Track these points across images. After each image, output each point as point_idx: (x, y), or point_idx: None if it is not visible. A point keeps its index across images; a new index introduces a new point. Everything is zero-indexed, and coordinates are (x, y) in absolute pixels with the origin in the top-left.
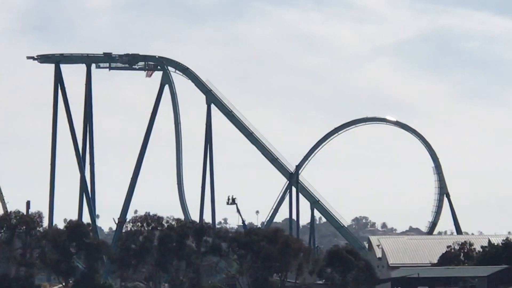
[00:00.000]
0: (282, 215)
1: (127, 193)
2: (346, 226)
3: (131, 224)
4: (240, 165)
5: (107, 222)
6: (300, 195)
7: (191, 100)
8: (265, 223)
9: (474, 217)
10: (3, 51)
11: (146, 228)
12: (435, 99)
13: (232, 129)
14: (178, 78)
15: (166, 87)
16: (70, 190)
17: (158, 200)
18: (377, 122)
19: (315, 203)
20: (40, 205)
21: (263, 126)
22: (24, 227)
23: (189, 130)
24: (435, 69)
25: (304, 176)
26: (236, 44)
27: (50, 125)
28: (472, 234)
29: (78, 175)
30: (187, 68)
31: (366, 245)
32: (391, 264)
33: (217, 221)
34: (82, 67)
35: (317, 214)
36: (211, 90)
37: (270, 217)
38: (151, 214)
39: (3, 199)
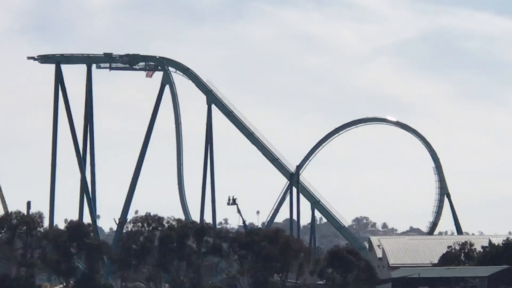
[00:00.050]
0: (282, 216)
1: (127, 193)
2: (346, 226)
3: (131, 224)
4: (241, 165)
5: (107, 222)
6: (301, 195)
7: (192, 100)
8: (265, 224)
9: (474, 217)
10: (3, 51)
11: (146, 229)
12: (436, 99)
13: (233, 129)
14: (178, 78)
15: (167, 87)
16: (71, 191)
17: (159, 200)
18: (377, 122)
19: (315, 204)
20: (40, 206)
21: (263, 126)
22: (24, 227)
23: (190, 130)
24: (435, 69)
25: (305, 176)
26: (236, 44)
27: (51, 126)
28: (473, 234)
29: (79, 175)
30: (188, 68)
31: (367, 246)
32: (391, 264)
33: (217, 222)
34: (83, 67)
35: (317, 214)
36: (212, 90)
37: (271, 217)
38: (151, 214)
39: (4, 199)
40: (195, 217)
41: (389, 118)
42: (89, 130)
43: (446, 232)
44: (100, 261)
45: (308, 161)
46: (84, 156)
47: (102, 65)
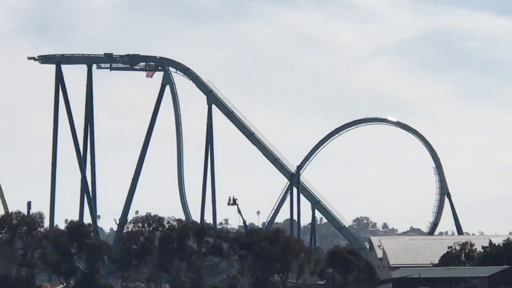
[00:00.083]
0: (283, 216)
1: (128, 193)
2: (347, 226)
3: (132, 224)
4: (241, 165)
5: (108, 222)
6: (301, 196)
7: (192, 101)
8: (266, 224)
9: (475, 217)
10: (4, 52)
11: (147, 229)
12: (436, 99)
13: (233, 129)
14: (179, 78)
15: (167, 88)
16: (71, 191)
17: (159, 200)
18: (378, 123)
19: (316, 204)
20: (41, 206)
21: (264, 127)
22: (25, 227)
23: (190, 130)
24: (435, 69)
25: (305, 177)
26: (237, 44)
27: (51, 126)
28: (473, 234)
29: (79, 175)
30: (188, 68)
31: (367, 246)
32: (392, 264)
33: (218, 222)
34: (83, 67)
35: (318, 214)
36: (212, 90)
37: (271, 217)
38: (152, 214)
39: (4, 200)
40: (196, 217)
41: (389, 118)
42: (90, 130)
43: (446, 232)
44: (101, 261)
45: (308, 161)
46: (85, 156)
47: (102, 65)
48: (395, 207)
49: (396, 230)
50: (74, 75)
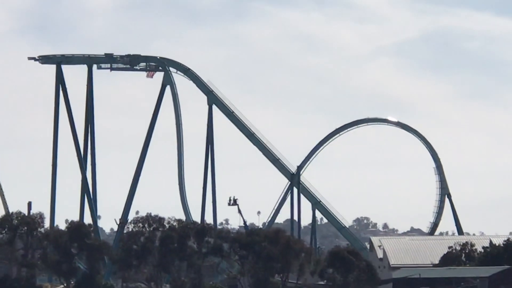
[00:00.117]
0: (283, 216)
1: (128, 194)
2: (347, 226)
3: (132, 224)
4: (242, 165)
5: (108, 223)
6: (302, 196)
7: (193, 101)
8: (266, 224)
9: (475, 217)
10: (4, 52)
11: (147, 229)
12: (436, 100)
13: (234, 129)
14: (179, 78)
15: (168, 88)
16: (72, 191)
17: (160, 200)
18: (378, 123)
19: (316, 204)
20: (41, 206)
21: (264, 127)
22: (25, 227)
23: (191, 130)
24: (436, 70)
25: (306, 177)
26: (237, 44)
27: (52, 126)
28: (474, 234)
29: (80, 176)
30: (189, 68)
31: (368, 246)
32: (392, 264)
33: (218, 222)
34: (84, 67)
35: (318, 214)
36: (213, 90)
37: (272, 217)
38: (152, 214)
39: (5, 200)
40: (196, 217)
41: (389, 118)
42: (90, 130)
43: (447, 233)
44: (101, 262)
45: (309, 161)
46: (85, 156)
47: (103, 65)
48: (396, 207)
49: (397, 230)
50: (75, 75)
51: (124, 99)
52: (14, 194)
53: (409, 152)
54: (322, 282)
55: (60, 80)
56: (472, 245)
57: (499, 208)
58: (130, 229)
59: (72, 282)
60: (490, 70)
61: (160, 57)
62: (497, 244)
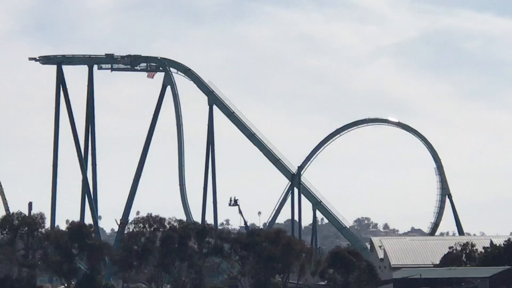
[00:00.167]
0: (284, 216)
1: (129, 194)
2: (348, 227)
3: (133, 225)
4: (242, 166)
5: (109, 223)
6: (302, 196)
7: (193, 101)
8: (267, 224)
9: (476, 218)
10: (5, 52)
11: (148, 229)
12: (437, 100)
13: (234, 130)
14: (180, 79)
15: (168, 88)
16: (72, 191)
17: (160, 201)
18: (379, 123)
19: (317, 204)
20: (42, 206)
21: (265, 127)
22: (26, 228)
23: (191, 131)
24: (436, 70)
25: (306, 177)
26: (238, 45)
27: (52, 126)
28: (474, 235)
29: (80, 176)
30: (189, 69)
31: (368, 246)
32: (393, 265)
33: (219, 222)
34: (84, 68)
35: (319, 215)
36: (213, 91)
37: (272, 218)
38: (153, 215)
39: (5, 200)
40: (197, 218)
41: (390, 118)
42: (91, 131)
43: (447, 233)
44: (102, 262)
45: (309, 161)
46: (86, 156)
47: (103, 66)
48: (396, 208)
49: (397, 230)
50: (75, 75)
51: (125, 99)
52: (15, 194)
53: (409, 152)
54: (322, 283)
55: (60, 81)
56: (473, 245)
57: (500, 208)
58: (131, 230)
59: (72, 283)
60: (490, 70)
61: (161, 58)
62: (497, 245)
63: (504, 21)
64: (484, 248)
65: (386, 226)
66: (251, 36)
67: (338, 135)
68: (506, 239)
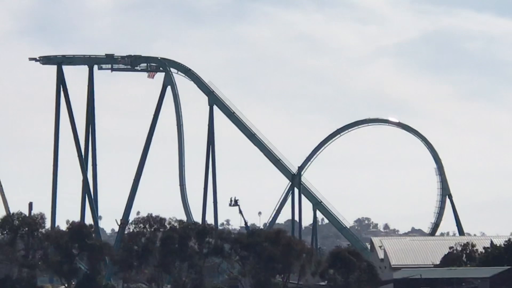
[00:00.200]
0: (284, 216)
1: (129, 194)
2: (348, 227)
3: (133, 225)
4: (243, 166)
5: (109, 223)
6: (303, 196)
7: (194, 101)
8: (267, 224)
9: (476, 218)
10: (5, 52)
11: (148, 230)
12: (437, 100)
13: (235, 130)
14: (180, 79)
15: (168, 88)
16: (73, 192)
17: (161, 201)
18: (379, 123)
19: (317, 204)
20: (42, 207)
21: (265, 127)
22: (26, 228)
23: (192, 131)
24: (436, 70)
25: (307, 177)
26: (238, 45)
27: (52, 127)
28: (475, 235)
29: (81, 176)
30: (189, 69)
31: (369, 246)
32: (393, 265)
33: (219, 223)
34: (84, 68)
35: (319, 215)
36: (214, 91)
37: (273, 218)
38: (153, 215)
39: (6, 200)
40: (197, 218)
41: (390, 119)
42: (91, 131)
43: (447, 233)
44: (102, 262)
45: (310, 162)
46: (86, 157)
47: (103, 66)
48: (397, 208)
49: (398, 230)
50: (75, 76)
51: (125, 99)
52: (15, 194)
53: (410, 152)
54: (323, 283)
55: (61, 81)
56: (473, 245)
57: (500, 209)
58: (131, 230)
59: (73, 283)
60: (490, 70)
61: (161, 58)
62: (498, 245)
63: (504, 21)
64: (484, 248)
65: (386, 226)
66: (251, 36)
67: (339, 135)
68: (507, 239)
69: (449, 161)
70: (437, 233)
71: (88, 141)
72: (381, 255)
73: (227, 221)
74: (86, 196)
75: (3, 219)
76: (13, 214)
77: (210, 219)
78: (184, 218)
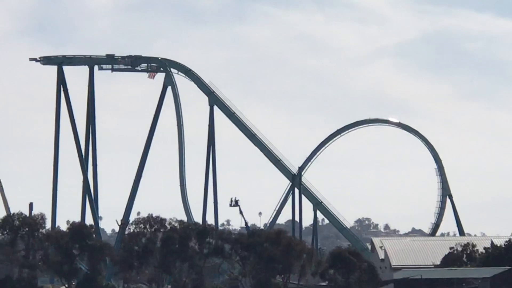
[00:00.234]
0: (284, 217)
1: (130, 194)
2: (348, 227)
3: (134, 225)
4: (243, 166)
5: (110, 223)
6: (303, 197)
7: (194, 102)
8: (267, 225)
9: (476, 218)
10: (5, 53)
11: (149, 230)
12: (437, 100)
13: (235, 130)
14: (180, 79)
15: (169, 89)
16: (73, 192)
17: (161, 201)
18: (379, 124)
19: (317, 205)
20: (42, 207)
21: (265, 128)
22: (27, 228)
23: (192, 131)
24: (437, 70)
25: (307, 178)
26: (238, 45)
27: (53, 127)
28: (475, 235)
29: (81, 176)
30: (190, 69)
31: (369, 247)
32: (394, 265)
33: (220, 223)
34: (85, 68)
35: (319, 215)
36: (214, 91)
37: (273, 218)
38: (154, 215)
39: (6, 201)
40: (197, 218)
41: (391, 119)
42: (91, 131)
43: (448, 233)
44: (102, 263)
45: (310, 162)
46: (86, 157)
47: (104, 66)
48: (397, 208)
49: (398, 231)
50: (76, 76)
51: (125, 100)
52: (16, 195)
53: (410, 153)
54: (323, 283)
55: (61, 81)
56: (474, 246)
57: (501, 209)
58: (132, 230)
59: (73, 283)
60: (490, 70)
61: (162, 58)
62: (498, 245)
63: (504, 21)
64: (485, 248)
65: (386, 227)
66: (251, 36)
67: (339, 135)
68: (507, 239)
69: (449, 161)
70: (438, 233)
71: (89, 141)
72: (381, 255)
73: (228, 221)
74: (87, 197)
75: (3, 220)
76: (13, 214)
77: (210, 220)
78: (185, 219)
